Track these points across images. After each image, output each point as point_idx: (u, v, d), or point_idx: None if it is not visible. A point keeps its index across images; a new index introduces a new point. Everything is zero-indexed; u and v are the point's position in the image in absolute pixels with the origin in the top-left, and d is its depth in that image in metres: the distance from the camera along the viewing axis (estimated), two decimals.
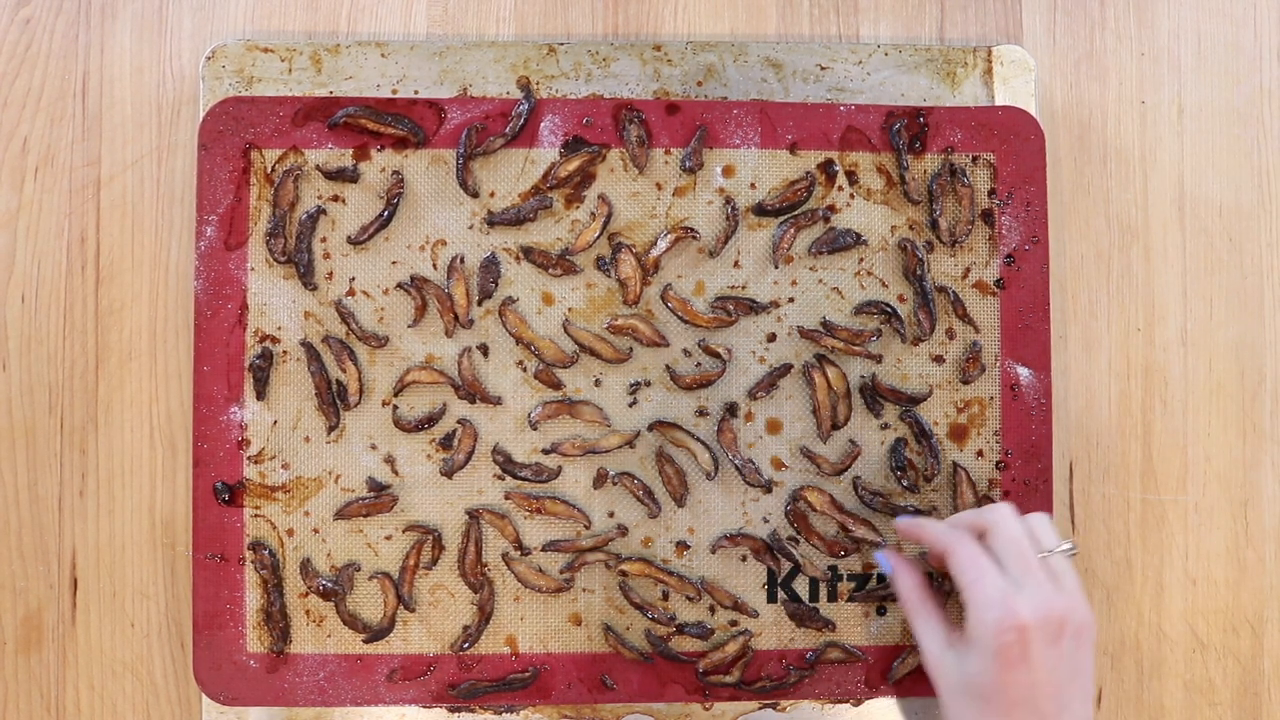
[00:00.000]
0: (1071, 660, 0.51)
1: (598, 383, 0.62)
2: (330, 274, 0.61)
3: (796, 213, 0.62)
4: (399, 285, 0.61)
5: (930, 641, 0.54)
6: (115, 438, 0.62)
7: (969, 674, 0.51)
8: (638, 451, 0.61)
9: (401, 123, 0.61)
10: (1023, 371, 0.62)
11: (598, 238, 0.61)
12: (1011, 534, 0.52)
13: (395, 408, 0.61)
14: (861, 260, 0.62)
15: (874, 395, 0.61)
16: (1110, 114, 0.65)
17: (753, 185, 0.62)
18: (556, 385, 0.61)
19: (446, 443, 0.61)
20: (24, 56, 0.63)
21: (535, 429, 0.61)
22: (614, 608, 0.61)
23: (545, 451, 0.61)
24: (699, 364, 0.62)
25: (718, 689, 0.61)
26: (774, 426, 0.62)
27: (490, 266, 0.61)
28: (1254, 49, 0.65)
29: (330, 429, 0.61)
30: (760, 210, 0.62)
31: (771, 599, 0.62)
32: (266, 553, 0.60)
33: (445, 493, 0.61)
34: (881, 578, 0.62)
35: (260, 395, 0.61)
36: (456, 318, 0.61)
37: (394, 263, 0.61)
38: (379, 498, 0.61)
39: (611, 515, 0.61)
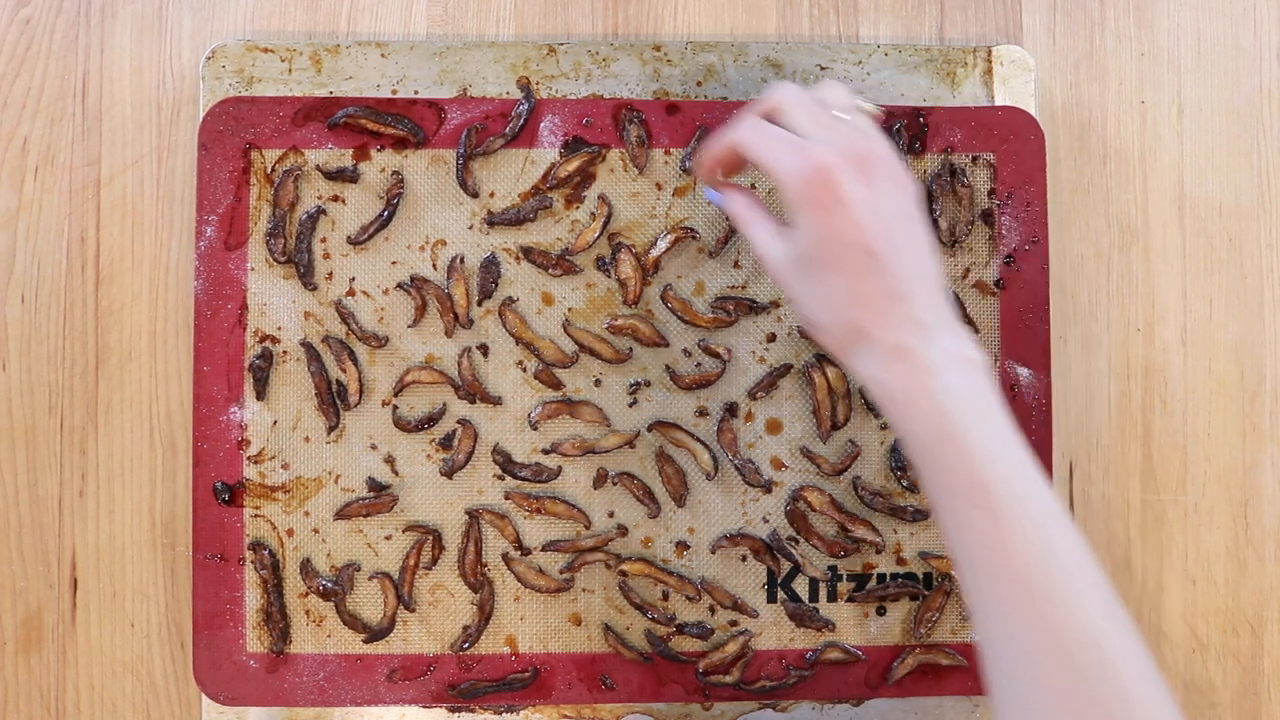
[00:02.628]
0: (895, 201, 0.48)
1: (598, 383, 0.62)
2: (330, 274, 0.61)
3: None
4: (399, 285, 0.61)
5: (760, 233, 0.51)
6: (115, 438, 0.62)
7: (799, 246, 0.48)
8: (638, 451, 0.61)
9: (401, 123, 0.61)
10: (1022, 372, 0.62)
11: (598, 238, 0.61)
12: (798, 101, 0.50)
13: (395, 408, 0.61)
14: None
15: None
16: (1110, 114, 0.65)
17: (753, 185, 0.62)
18: (556, 385, 0.61)
19: (446, 443, 0.61)
20: (24, 56, 0.63)
21: (535, 429, 0.61)
22: (614, 608, 0.61)
23: (545, 451, 0.61)
24: (699, 364, 0.62)
25: (718, 689, 0.61)
26: (774, 427, 0.62)
27: (490, 266, 0.61)
28: (1254, 49, 0.65)
29: (330, 429, 0.61)
30: None
31: (771, 599, 0.62)
32: (266, 553, 0.60)
33: (445, 493, 0.61)
34: (881, 577, 0.62)
35: (260, 395, 0.61)
36: (456, 318, 0.61)
37: (394, 263, 0.61)
38: (379, 498, 0.61)
39: (611, 515, 0.61)
